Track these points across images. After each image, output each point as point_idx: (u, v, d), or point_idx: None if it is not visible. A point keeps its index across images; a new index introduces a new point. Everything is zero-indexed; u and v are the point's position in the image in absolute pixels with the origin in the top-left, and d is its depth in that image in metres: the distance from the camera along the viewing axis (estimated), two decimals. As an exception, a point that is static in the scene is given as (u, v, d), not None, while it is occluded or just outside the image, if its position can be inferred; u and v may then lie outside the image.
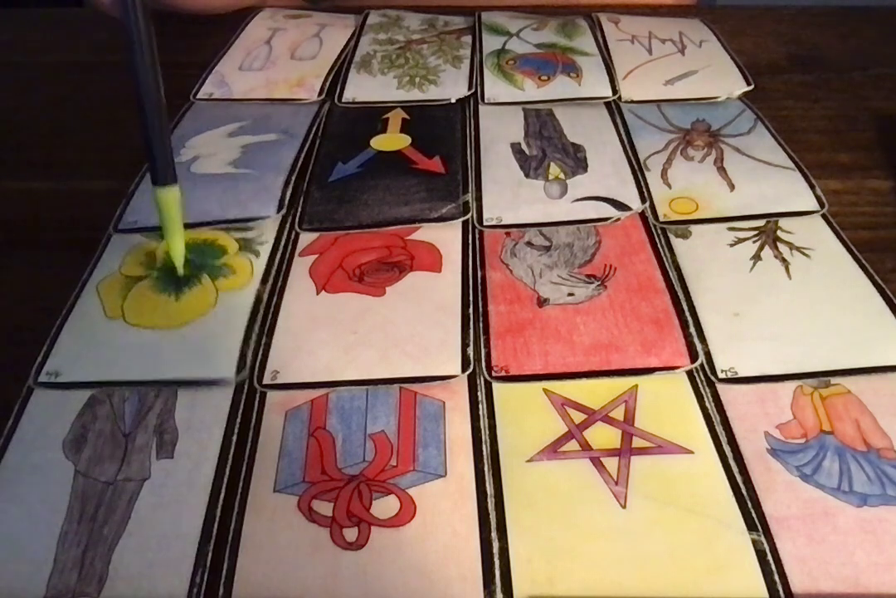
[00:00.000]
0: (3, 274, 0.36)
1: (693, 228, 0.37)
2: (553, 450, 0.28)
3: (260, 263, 0.35)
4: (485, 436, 0.28)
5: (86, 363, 0.31)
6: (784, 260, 0.35)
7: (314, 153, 0.42)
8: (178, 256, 0.34)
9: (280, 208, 0.37)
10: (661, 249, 0.35)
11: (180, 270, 0.34)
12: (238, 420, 0.29)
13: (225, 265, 0.35)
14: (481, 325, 0.32)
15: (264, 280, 0.34)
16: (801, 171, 0.39)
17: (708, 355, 0.31)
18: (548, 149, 0.42)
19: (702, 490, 0.26)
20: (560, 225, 0.37)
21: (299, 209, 0.38)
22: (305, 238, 0.37)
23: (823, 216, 0.37)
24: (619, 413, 0.29)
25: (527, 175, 0.40)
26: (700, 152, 0.41)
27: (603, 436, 0.28)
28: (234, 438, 0.28)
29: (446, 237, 0.36)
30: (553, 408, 0.29)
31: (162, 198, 0.32)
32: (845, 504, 0.26)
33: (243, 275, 0.35)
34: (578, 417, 0.29)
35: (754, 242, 0.36)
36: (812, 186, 0.38)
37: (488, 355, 0.31)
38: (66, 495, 0.26)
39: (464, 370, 0.30)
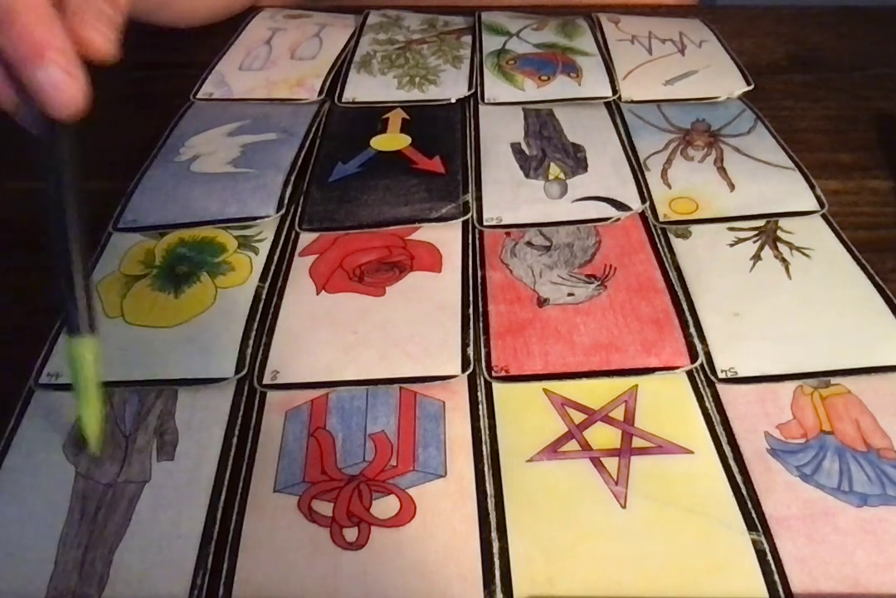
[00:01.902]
0: (3, 274, 0.36)
1: (693, 228, 0.37)
2: (553, 450, 0.28)
3: (259, 261, 0.35)
4: (485, 436, 0.28)
5: None
6: (784, 260, 0.35)
7: (314, 153, 0.42)
8: (92, 430, 0.27)
9: (279, 208, 0.37)
10: (661, 249, 0.35)
11: (93, 449, 0.27)
12: (238, 421, 0.29)
13: (224, 263, 0.35)
14: (481, 325, 0.32)
15: (263, 277, 0.34)
16: (801, 171, 0.39)
17: (708, 355, 0.31)
18: (548, 149, 0.42)
19: (702, 490, 0.26)
20: (560, 225, 0.37)
21: (299, 209, 0.38)
22: (305, 238, 0.37)
23: (823, 216, 0.37)
24: (619, 413, 0.29)
25: (527, 175, 0.40)
26: (700, 152, 0.41)
27: (603, 436, 0.28)
28: (235, 439, 0.28)
29: (446, 237, 0.36)
30: (553, 408, 0.29)
31: (74, 351, 0.26)
32: (845, 504, 0.26)
33: (242, 272, 0.35)
34: (578, 417, 0.29)
35: (754, 242, 0.36)
36: (812, 186, 0.38)
37: (488, 355, 0.31)
38: (67, 497, 0.26)
39: (464, 370, 0.30)
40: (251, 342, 0.31)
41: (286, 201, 0.38)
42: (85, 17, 0.27)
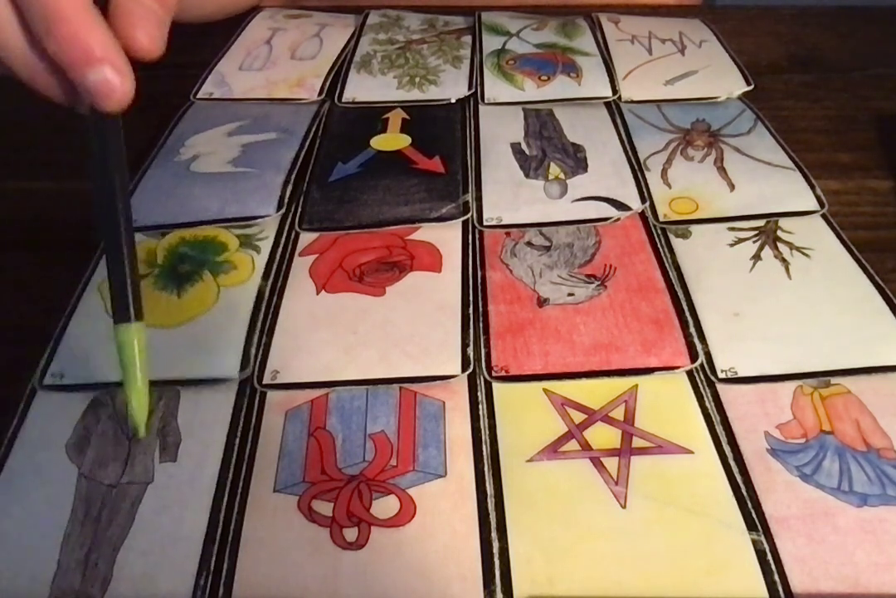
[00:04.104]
0: (3, 274, 0.36)
1: (693, 228, 0.37)
2: (553, 450, 0.28)
3: (261, 259, 0.35)
4: (485, 436, 0.28)
5: (90, 364, 0.31)
6: (784, 260, 0.35)
7: (314, 153, 0.42)
8: (140, 414, 0.27)
9: (280, 207, 0.37)
10: (661, 249, 0.35)
11: (140, 433, 0.28)
12: (240, 422, 0.29)
13: (226, 261, 0.35)
14: (481, 325, 0.32)
15: (265, 276, 0.34)
16: (801, 171, 0.39)
17: (708, 355, 0.31)
18: (548, 149, 0.42)
19: (702, 490, 0.26)
20: (560, 225, 0.37)
21: (299, 209, 0.38)
22: (305, 238, 0.37)
23: (823, 216, 0.37)
24: (619, 413, 0.29)
25: (527, 175, 0.40)
26: (700, 152, 0.41)
27: (603, 436, 0.28)
28: (237, 440, 0.28)
29: (446, 237, 0.36)
30: (553, 408, 0.29)
31: (122, 337, 0.26)
32: (845, 504, 0.26)
33: (244, 271, 0.35)
34: (578, 417, 0.29)
35: (754, 242, 0.36)
36: (812, 186, 0.38)
37: (488, 355, 0.31)
38: (70, 497, 0.26)
39: (464, 370, 0.30)
40: (255, 341, 0.31)
41: (286, 201, 0.38)
42: (132, 15, 0.28)
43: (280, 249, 0.36)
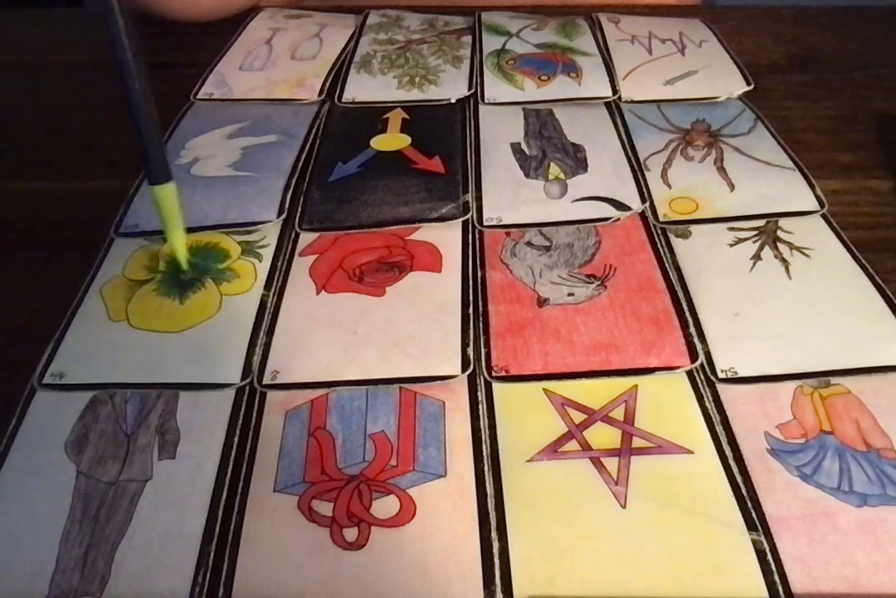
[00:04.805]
0: (3, 274, 0.36)
1: (693, 228, 0.37)
2: (553, 450, 0.28)
3: (263, 268, 0.35)
4: (485, 436, 0.28)
5: (90, 365, 0.31)
6: (784, 260, 0.35)
7: (314, 154, 0.42)
8: (181, 253, 0.34)
9: (281, 213, 0.37)
10: (661, 249, 0.35)
11: (184, 266, 0.34)
12: (240, 421, 0.29)
13: (228, 269, 0.35)
14: (481, 325, 0.32)
15: (268, 285, 0.34)
16: (801, 171, 0.39)
17: (708, 354, 0.31)
18: (548, 149, 0.42)
19: (702, 490, 0.26)
20: (560, 225, 0.37)
21: (299, 209, 0.38)
22: (305, 238, 0.37)
23: (823, 216, 0.37)
24: (619, 413, 0.29)
25: (527, 175, 0.40)
26: (700, 152, 0.41)
27: (603, 436, 0.28)
28: (236, 438, 0.28)
29: (446, 237, 0.36)
30: (553, 408, 0.29)
31: (158, 195, 0.32)
32: (845, 504, 0.26)
33: (247, 279, 0.34)
34: (578, 417, 0.29)
35: (754, 242, 0.36)
36: (812, 186, 0.38)
37: (488, 355, 0.31)
38: (69, 496, 0.26)
39: (464, 370, 0.30)
40: (257, 350, 0.31)
41: (287, 206, 0.38)
42: None
43: (280, 251, 0.36)
